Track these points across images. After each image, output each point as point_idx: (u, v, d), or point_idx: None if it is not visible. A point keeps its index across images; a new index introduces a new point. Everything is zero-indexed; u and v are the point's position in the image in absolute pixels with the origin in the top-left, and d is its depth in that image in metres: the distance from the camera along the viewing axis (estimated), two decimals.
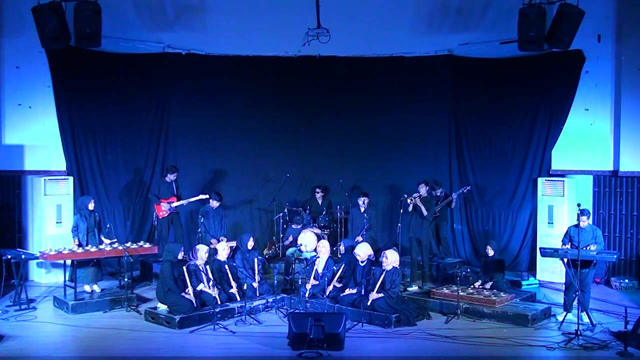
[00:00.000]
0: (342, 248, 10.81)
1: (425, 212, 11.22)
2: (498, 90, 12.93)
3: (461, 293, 9.78)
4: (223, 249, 10.26)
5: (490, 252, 10.65)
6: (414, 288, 11.17)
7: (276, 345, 8.38)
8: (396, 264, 9.65)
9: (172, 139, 13.38)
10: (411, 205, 11.26)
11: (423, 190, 11.39)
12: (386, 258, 9.63)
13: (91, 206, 10.66)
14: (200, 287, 9.62)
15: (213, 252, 10.49)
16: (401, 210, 11.46)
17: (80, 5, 10.13)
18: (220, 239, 11.71)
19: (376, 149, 13.74)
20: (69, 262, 10.35)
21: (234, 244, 11.04)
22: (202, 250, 9.87)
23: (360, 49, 13.29)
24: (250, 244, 10.64)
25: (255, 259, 10.39)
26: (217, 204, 11.99)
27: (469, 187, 12.60)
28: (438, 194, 12.40)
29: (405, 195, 11.38)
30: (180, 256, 9.76)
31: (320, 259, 10.30)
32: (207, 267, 9.86)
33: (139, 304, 10.18)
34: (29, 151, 11.91)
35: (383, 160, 13.70)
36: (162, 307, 9.45)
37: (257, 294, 10.13)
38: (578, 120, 12.09)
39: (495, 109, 13.00)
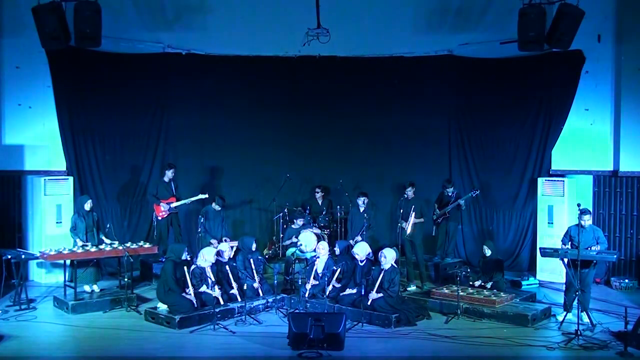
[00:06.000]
0: (337, 250, 10.79)
1: (422, 220, 11.36)
2: (498, 90, 12.91)
3: (461, 293, 9.78)
4: (227, 250, 10.27)
5: (487, 252, 10.65)
6: (413, 288, 11.18)
7: (276, 345, 8.38)
8: (394, 262, 9.65)
9: (172, 139, 13.37)
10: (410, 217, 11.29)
11: (410, 192, 11.42)
12: (385, 257, 9.63)
13: (87, 206, 10.67)
14: (203, 288, 9.63)
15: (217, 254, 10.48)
16: (401, 210, 11.45)
17: (80, 5, 10.10)
18: (224, 239, 11.70)
19: (376, 149, 13.73)
20: (68, 262, 10.36)
21: (235, 244, 11.03)
22: (210, 254, 9.87)
23: (360, 49, 13.28)
24: (254, 247, 10.64)
25: (255, 260, 10.38)
26: (220, 208, 11.98)
27: (477, 192, 12.34)
28: (450, 194, 12.28)
29: (403, 219, 11.37)
30: (183, 257, 9.78)
31: (320, 259, 10.31)
32: (210, 269, 9.86)
33: (139, 304, 10.19)
34: (29, 151, 11.91)
35: (383, 160, 13.69)
36: (162, 307, 9.46)
37: (260, 294, 10.13)
38: (578, 120, 12.09)
39: (495, 109, 12.99)
